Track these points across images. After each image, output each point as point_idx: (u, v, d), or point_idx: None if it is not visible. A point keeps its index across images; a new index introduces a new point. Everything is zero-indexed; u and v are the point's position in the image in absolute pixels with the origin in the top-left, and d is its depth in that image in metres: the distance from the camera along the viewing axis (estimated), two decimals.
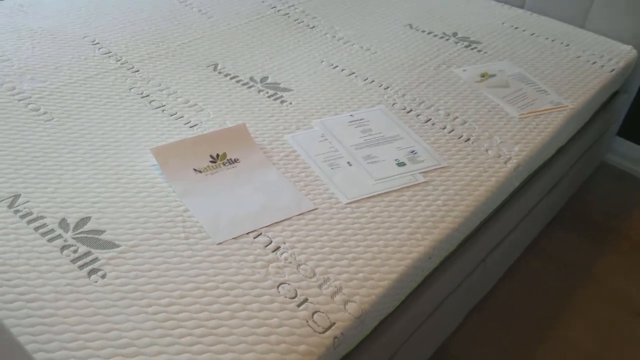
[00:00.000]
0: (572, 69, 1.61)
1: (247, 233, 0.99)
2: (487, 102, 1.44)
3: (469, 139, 1.30)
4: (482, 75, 1.54)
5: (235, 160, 1.15)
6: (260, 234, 0.99)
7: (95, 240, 0.93)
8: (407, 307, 1.07)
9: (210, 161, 1.13)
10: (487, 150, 1.27)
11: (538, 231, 1.68)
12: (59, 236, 0.94)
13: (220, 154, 1.15)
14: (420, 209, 1.09)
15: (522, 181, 1.34)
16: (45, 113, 1.24)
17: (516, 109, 1.42)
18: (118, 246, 0.93)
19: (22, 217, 0.98)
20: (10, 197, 1.02)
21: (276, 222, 1.02)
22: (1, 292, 0.84)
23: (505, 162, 1.24)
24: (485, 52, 1.66)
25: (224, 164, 1.13)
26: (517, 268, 1.62)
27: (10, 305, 0.82)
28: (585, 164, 1.82)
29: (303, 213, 1.04)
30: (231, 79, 1.44)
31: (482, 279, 1.39)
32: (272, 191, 1.09)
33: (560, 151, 1.51)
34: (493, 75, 1.55)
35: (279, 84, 1.43)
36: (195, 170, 1.11)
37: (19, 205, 1.00)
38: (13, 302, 0.83)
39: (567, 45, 1.73)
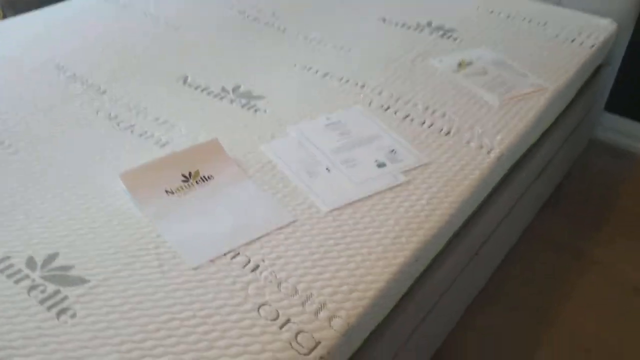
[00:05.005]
0: (551, 49, 1.57)
1: (224, 254, 0.94)
2: (466, 91, 1.40)
3: (449, 132, 1.26)
4: (460, 65, 1.50)
5: (209, 177, 1.10)
6: (238, 253, 0.95)
7: (64, 277, 0.89)
8: (402, 310, 1.03)
9: (183, 180, 1.09)
10: (468, 142, 1.23)
11: (532, 216, 1.65)
12: (27, 276, 0.89)
13: (192, 172, 1.11)
14: (404, 210, 1.05)
15: (509, 169, 1.30)
16: (10, 146, 1.19)
17: (496, 95, 1.38)
18: (88, 281, 0.89)
19: None
20: None
21: (254, 240, 0.97)
22: None
23: (488, 153, 1.20)
24: (462, 40, 1.62)
25: (197, 182, 1.09)
26: (513, 255, 1.58)
27: None
28: (574, 143, 1.78)
29: (282, 227, 1.00)
30: (202, 91, 1.39)
31: (477, 273, 1.36)
32: (248, 206, 1.04)
33: (546, 133, 1.47)
34: (470, 63, 1.51)
35: (252, 92, 1.39)
36: (167, 191, 1.07)
37: None
38: None
39: (545, 24, 1.69)
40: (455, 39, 1.62)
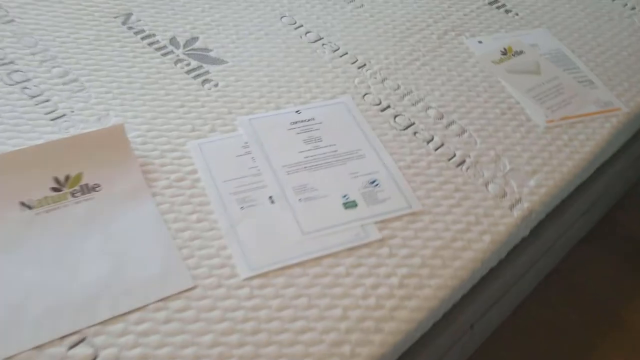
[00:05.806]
0: (635, 45, 1.14)
1: (61, 338, 0.62)
2: (504, 97, 1.00)
3: (462, 163, 0.88)
4: (504, 52, 1.09)
5: (94, 188, 0.76)
6: (84, 338, 0.62)
7: None
8: None
9: (53, 188, 0.75)
10: (486, 185, 0.85)
11: (556, 262, 1.27)
12: None
13: (72, 175, 0.76)
14: (362, 293, 0.70)
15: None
16: None
17: (543, 111, 0.98)
18: None
19: None
20: None
21: (118, 316, 0.64)
22: None
23: (511, 208, 0.83)
24: (516, 14, 1.19)
25: (73, 195, 0.75)
26: (519, 312, 1.22)
27: None
28: (635, 169, 1.37)
29: (170, 296, 0.66)
30: (143, 39, 1.02)
31: (468, 347, 1.01)
32: (131, 249, 0.70)
33: (602, 167, 1.07)
34: (520, 53, 1.09)
35: (210, 51, 1.01)
36: (23, 204, 0.73)
37: None
38: None
39: (633, 8, 1.24)
40: (508, 12, 1.19)
